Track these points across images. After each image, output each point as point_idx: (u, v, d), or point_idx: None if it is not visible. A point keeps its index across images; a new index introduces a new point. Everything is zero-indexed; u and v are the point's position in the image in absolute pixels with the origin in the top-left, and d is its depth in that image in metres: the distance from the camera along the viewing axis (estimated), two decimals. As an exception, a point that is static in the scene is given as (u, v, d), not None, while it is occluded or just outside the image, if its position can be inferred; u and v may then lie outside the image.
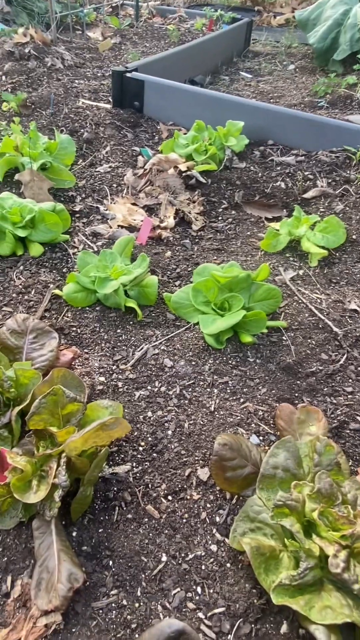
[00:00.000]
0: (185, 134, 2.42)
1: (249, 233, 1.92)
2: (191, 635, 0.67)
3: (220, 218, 2.01)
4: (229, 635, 0.84)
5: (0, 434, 1.08)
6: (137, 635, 0.84)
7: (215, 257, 1.74)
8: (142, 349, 1.35)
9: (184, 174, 2.12)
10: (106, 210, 1.97)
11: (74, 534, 0.97)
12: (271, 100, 3.30)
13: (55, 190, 2.06)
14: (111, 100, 2.80)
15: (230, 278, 1.37)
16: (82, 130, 2.53)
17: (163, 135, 2.61)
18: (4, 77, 3.08)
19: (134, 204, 2.03)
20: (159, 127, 2.67)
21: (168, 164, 2.18)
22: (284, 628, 0.84)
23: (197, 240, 1.87)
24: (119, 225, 1.86)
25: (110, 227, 1.87)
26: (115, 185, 2.17)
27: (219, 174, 2.22)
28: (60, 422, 1.04)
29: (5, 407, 1.12)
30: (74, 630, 0.85)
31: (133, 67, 2.76)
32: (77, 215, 1.95)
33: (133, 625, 0.85)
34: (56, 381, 1.10)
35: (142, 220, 1.87)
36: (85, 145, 2.43)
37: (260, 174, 2.27)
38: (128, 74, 2.66)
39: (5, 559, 0.94)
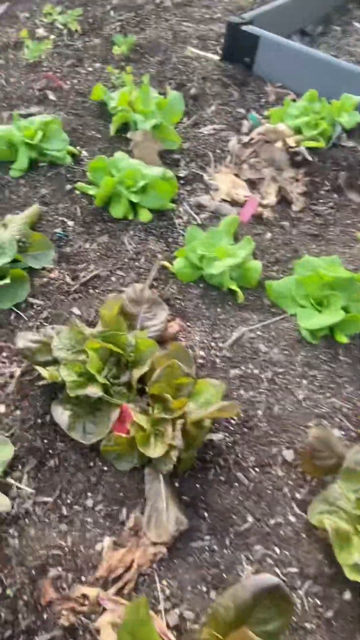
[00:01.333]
0: (294, 100, 2.35)
1: (349, 221, 1.93)
2: (285, 591, 0.85)
3: (321, 201, 2.01)
4: (300, 590, 1.03)
5: (119, 391, 1.27)
6: (224, 575, 1.05)
7: (313, 246, 1.79)
8: (239, 330, 1.48)
9: (291, 149, 2.10)
10: (210, 179, 2.02)
11: (176, 484, 1.17)
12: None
13: (160, 152, 2.11)
14: (221, 52, 2.71)
15: (333, 277, 1.43)
16: (188, 85, 2.51)
17: (270, 98, 2.53)
18: (112, 12, 3.01)
19: (236, 175, 2.06)
20: (267, 89, 2.58)
21: (275, 135, 2.16)
22: (347, 595, 1.02)
23: (295, 222, 1.91)
24: (222, 199, 1.92)
25: (213, 199, 1.93)
26: (218, 150, 2.19)
27: (326, 152, 2.18)
28: (174, 391, 1.21)
29: (125, 368, 1.30)
30: (175, 561, 1.06)
31: (249, 18, 2.63)
32: (182, 181, 2.01)
33: (221, 567, 1.06)
34: (172, 354, 1.25)
35: (245, 196, 1.91)
36: (191, 102, 2.42)
37: (367, 156, 2.21)
38: (243, 27, 2.55)
39: (122, 494, 1.15)
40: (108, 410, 1.23)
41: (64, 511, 1.15)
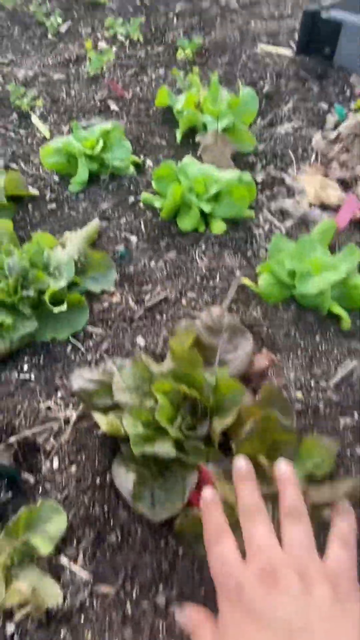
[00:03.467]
0: (387, 88, 2.00)
1: None
2: None
3: None
4: None
5: (196, 447, 0.98)
6: None
7: None
8: (346, 365, 1.15)
9: (390, 142, 1.76)
10: (293, 181, 1.72)
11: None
12: None
13: (233, 155, 1.86)
14: (295, 45, 2.43)
15: None
16: (261, 82, 2.25)
17: (356, 91, 2.20)
18: (176, 20, 2.86)
19: (325, 176, 1.75)
20: (351, 80, 2.26)
21: (369, 127, 1.83)
22: None
23: None
24: (310, 203, 1.62)
25: (299, 204, 1.63)
26: (300, 150, 1.90)
27: None
28: (270, 451, 0.91)
29: (203, 416, 1.02)
30: None
31: (329, 4, 2.33)
32: (259, 186, 1.74)
33: None
34: (265, 400, 0.96)
35: (339, 198, 1.59)
36: (265, 101, 2.16)
37: None
38: (324, 14, 2.26)
39: (203, 588, 0.86)
40: (182, 473, 0.95)
41: (128, 609, 0.88)
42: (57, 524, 0.96)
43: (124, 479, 0.95)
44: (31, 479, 1.07)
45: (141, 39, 2.65)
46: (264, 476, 0.87)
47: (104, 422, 1.02)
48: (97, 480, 1.05)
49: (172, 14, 2.88)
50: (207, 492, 0.78)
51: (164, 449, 0.92)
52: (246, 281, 1.33)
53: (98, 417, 1.04)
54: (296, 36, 2.60)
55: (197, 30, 2.74)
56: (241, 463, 0.78)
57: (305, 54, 2.38)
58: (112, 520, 0.99)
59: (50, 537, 0.95)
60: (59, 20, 2.82)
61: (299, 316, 1.26)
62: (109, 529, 0.98)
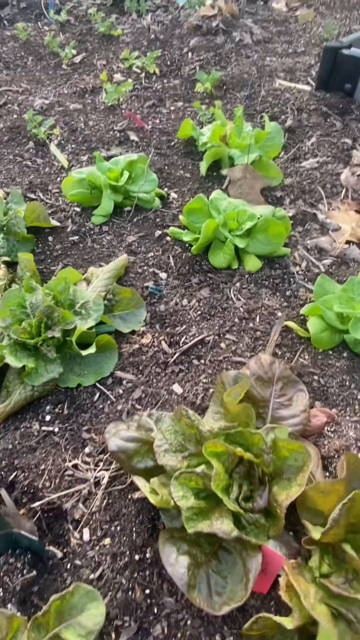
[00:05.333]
0: None
1: None
2: None
3: None
4: None
5: (256, 520, 0.85)
6: None
7: None
8: None
9: None
10: (326, 218, 1.65)
11: None
12: None
13: (262, 189, 1.80)
14: (315, 81, 2.43)
15: None
16: (282, 117, 2.22)
17: (379, 126, 2.18)
18: (190, 54, 2.86)
19: (357, 212, 1.68)
20: (374, 116, 2.24)
21: None
22: None
23: None
24: (347, 241, 1.54)
25: (334, 241, 1.55)
26: (328, 185, 1.84)
27: None
28: (353, 533, 0.78)
29: (260, 484, 0.89)
30: None
31: (348, 42, 2.34)
32: (291, 222, 1.67)
33: None
34: (347, 472, 0.83)
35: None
36: (288, 135, 2.12)
37: None
38: (345, 51, 2.26)
39: None
40: (242, 554, 0.82)
41: None
42: (93, 615, 0.81)
43: (176, 565, 0.80)
44: (58, 553, 0.93)
45: (157, 72, 2.64)
46: (350, 566, 0.75)
47: (148, 490, 0.89)
48: (136, 556, 0.91)
49: (187, 48, 2.89)
50: None
51: (225, 527, 0.79)
52: (292, 324, 1.23)
53: (140, 483, 0.90)
54: (313, 72, 2.61)
55: (213, 65, 2.74)
56: None
57: (325, 89, 2.37)
58: (156, 608, 0.84)
59: (87, 632, 0.80)
60: (73, 51, 2.81)
61: (353, 364, 1.15)
62: (154, 619, 0.83)
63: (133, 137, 2.09)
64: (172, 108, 2.33)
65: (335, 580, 0.76)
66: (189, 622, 0.82)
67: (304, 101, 2.31)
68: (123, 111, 2.29)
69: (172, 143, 2.04)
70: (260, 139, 1.86)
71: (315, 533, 0.75)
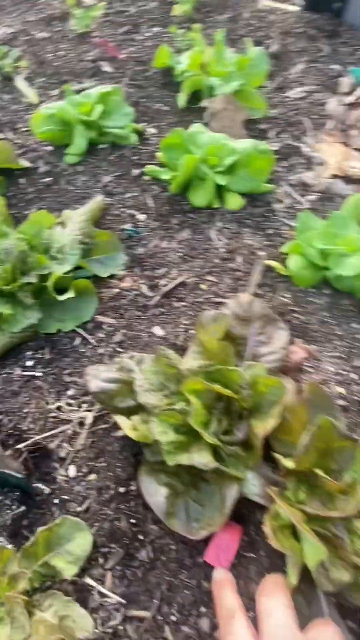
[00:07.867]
0: None
1: None
2: None
3: None
4: None
5: (234, 452, 0.88)
6: None
7: None
8: (389, 354, 1.06)
9: None
10: (311, 151, 1.58)
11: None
12: None
13: (245, 121, 1.70)
14: (302, 2, 2.24)
15: None
16: (267, 42, 2.07)
17: (370, 50, 2.05)
18: (167, -29, 2.61)
19: (344, 144, 1.61)
20: (364, 38, 2.09)
21: (389, 90, 1.69)
22: None
23: None
24: (333, 175, 1.49)
25: (321, 176, 1.50)
26: (314, 116, 1.75)
27: None
28: (325, 460, 0.81)
29: (239, 418, 0.91)
30: None
31: None
32: (275, 156, 1.59)
33: None
34: (310, 401, 0.86)
35: (364, 170, 1.46)
36: (273, 62, 1.98)
37: None
38: None
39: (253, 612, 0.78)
40: (220, 484, 0.85)
41: (168, 635, 0.79)
42: (81, 543, 0.86)
43: (155, 494, 0.84)
44: (46, 489, 0.96)
45: (132, -7, 2.41)
46: (323, 490, 0.78)
47: (128, 427, 0.91)
48: (121, 489, 0.94)
49: (164, -35, 2.63)
50: (218, 573, 0.79)
51: (203, 459, 0.81)
52: (273, 263, 1.21)
53: (122, 421, 0.92)
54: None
55: (193, -16, 2.50)
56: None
57: (313, 10, 2.20)
58: (141, 536, 0.89)
59: (75, 558, 0.85)
60: (39, -29, 2.54)
61: (334, 302, 1.15)
62: (139, 545, 0.88)
63: (106, 67, 1.94)
64: (148, 34, 2.16)
65: (312, 504, 0.80)
66: (172, 547, 0.86)
67: (290, 23, 2.15)
68: (95, 39, 2.11)
69: (149, 73, 1.91)
70: (243, 66, 1.74)
71: (289, 463, 0.78)
